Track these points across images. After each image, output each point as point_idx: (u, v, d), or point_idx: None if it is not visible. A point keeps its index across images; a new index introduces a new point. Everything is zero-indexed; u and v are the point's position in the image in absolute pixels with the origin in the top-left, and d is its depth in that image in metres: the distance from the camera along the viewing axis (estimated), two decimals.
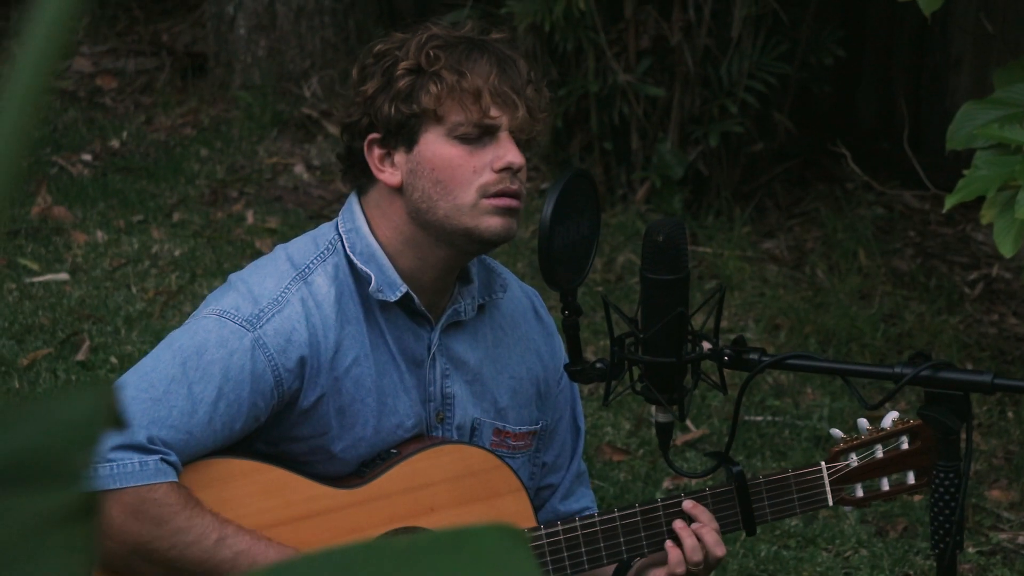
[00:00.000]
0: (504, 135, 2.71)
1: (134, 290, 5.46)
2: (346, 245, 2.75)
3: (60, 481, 0.76)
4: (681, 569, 2.76)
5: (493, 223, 2.69)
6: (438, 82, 2.69)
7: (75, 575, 0.74)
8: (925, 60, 6.59)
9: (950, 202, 4.18)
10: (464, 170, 2.70)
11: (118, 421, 0.78)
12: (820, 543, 4.52)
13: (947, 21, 6.33)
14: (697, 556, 2.76)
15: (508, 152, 2.70)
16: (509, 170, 2.70)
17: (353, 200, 2.79)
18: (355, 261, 2.75)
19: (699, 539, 2.76)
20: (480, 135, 2.70)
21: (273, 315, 2.69)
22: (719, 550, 2.76)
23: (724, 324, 5.24)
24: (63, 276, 5.51)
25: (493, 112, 2.70)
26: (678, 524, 2.77)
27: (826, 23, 6.25)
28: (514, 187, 2.70)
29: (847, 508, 2.92)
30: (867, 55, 6.70)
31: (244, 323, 2.68)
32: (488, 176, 2.70)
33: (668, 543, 2.77)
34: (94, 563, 0.77)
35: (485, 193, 2.69)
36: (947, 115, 4.72)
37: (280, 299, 2.70)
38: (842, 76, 6.54)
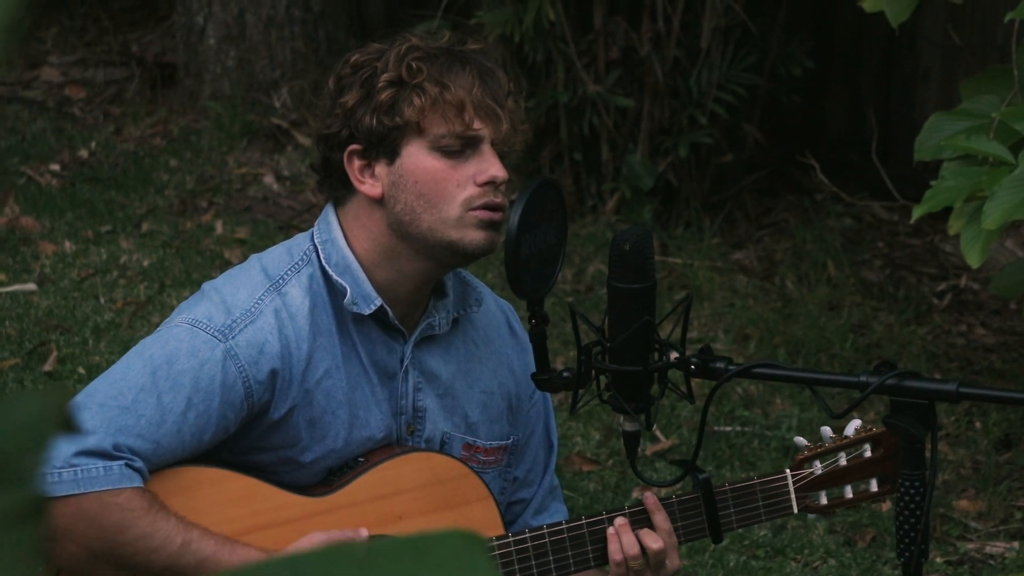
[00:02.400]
0: (487, 148, 2.71)
1: (102, 300, 5.44)
2: (321, 256, 2.74)
3: (9, 484, 0.76)
4: (619, 556, 2.76)
5: (477, 236, 2.69)
6: (420, 94, 2.67)
7: None
8: (893, 71, 6.61)
9: (918, 213, 4.19)
10: (448, 183, 2.69)
11: (69, 424, 0.78)
12: (789, 553, 4.52)
13: (915, 33, 6.35)
14: (633, 550, 2.76)
15: (492, 166, 2.70)
16: (492, 184, 2.70)
17: (329, 211, 2.77)
18: (330, 272, 2.73)
19: (639, 537, 2.78)
20: (463, 147, 2.70)
21: (246, 326, 2.67)
22: (655, 544, 2.77)
23: (694, 335, 5.23)
24: (31, 286, 5.49)
25: (476, 124, 2.69)
26: (619, 521, 2.78)
27: (795, 34, 6.27)
28: (498, 200, 2.70)
29: (812, 516, 2.92)
30: (836, 66, 6.72)
31: (216, 333, 2.66)
32: (472, 189, 2.69)
33: (609, 531, 2.78)
34: (42, 566, 0.76)
35: (470, 206, 2.69)
36: (915, 126, 4.74)
37: (253, 310, 2.69)
38: (811, 87, 6.56)
